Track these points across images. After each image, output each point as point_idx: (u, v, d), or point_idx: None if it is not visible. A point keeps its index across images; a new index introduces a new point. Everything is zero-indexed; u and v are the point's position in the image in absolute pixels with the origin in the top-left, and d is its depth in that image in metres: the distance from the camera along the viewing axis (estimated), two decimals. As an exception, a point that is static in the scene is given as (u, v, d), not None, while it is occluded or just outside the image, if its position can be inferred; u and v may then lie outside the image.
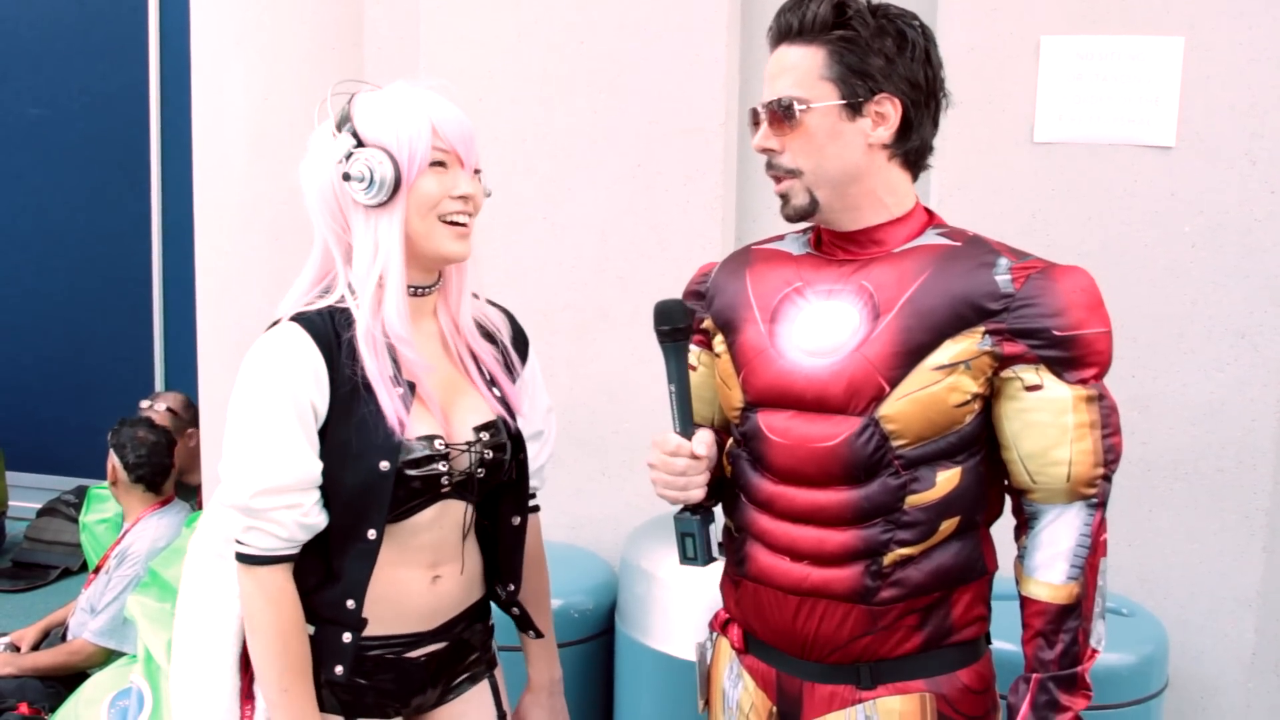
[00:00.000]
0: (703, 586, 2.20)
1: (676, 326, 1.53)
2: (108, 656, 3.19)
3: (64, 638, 3.38)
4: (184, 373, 4.84)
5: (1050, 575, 1.42)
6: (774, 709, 1.56)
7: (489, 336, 1.65)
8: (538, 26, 2.88)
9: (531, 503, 1.76)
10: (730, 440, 1.62)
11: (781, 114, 1.45)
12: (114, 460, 3.35)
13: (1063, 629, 1.41)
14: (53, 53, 5.22)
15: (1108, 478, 1.42)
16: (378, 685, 1.57)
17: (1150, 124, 2.55)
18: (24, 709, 3.07)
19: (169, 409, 3.76)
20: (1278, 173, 2.49)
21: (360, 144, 1.48)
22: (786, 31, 1.46)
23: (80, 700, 2.79)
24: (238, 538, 1.49)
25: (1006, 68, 2.62)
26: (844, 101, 1.44)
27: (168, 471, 3.43)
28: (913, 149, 1.49)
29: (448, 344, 1.61)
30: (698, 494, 1.52)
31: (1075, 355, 1.39)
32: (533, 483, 1.75)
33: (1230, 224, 2.53)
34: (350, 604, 1.51)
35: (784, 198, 1.50)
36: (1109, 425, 1.41)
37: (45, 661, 3.23)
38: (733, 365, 1.55)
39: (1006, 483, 1.50)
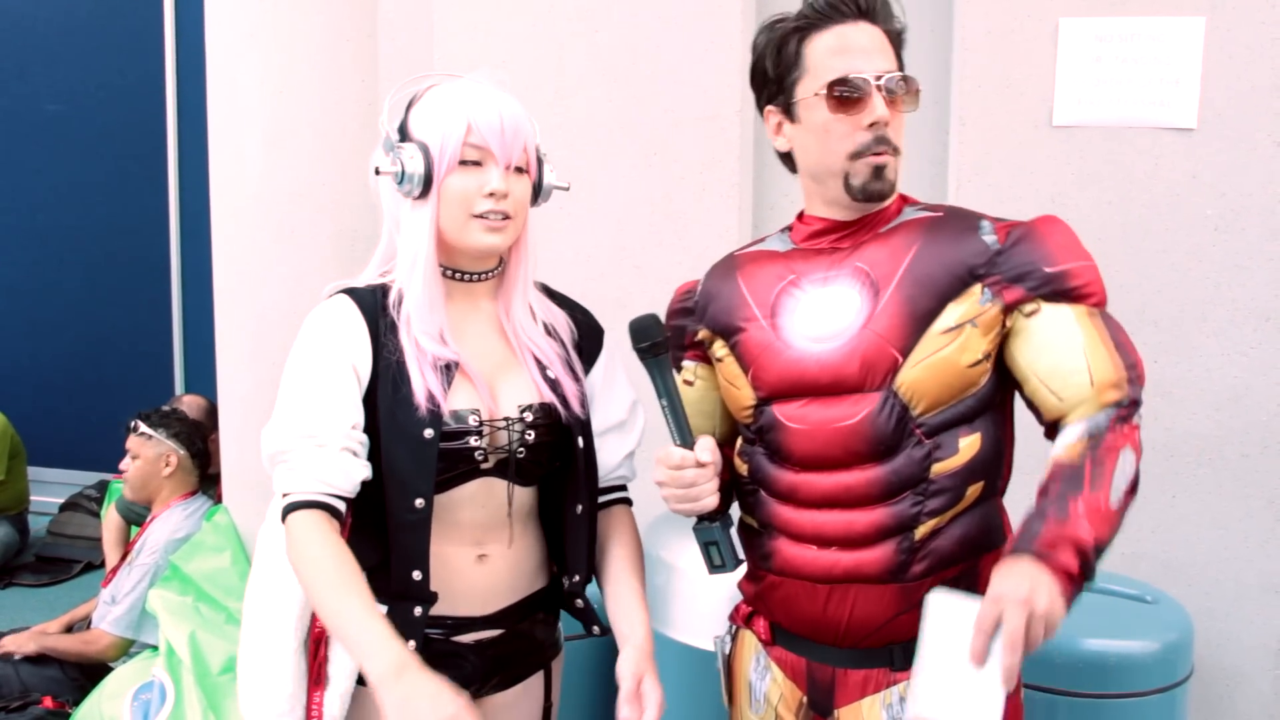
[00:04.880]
0: (724, 577, 2.19)
1: (655, 341, 1.51)
2: (125, 648, 3.22)
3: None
4: (203, 366, 4.86)
5: (1065, 437, 1.39)
6: (804, 699, 1.56)
7: (548, 330, 1.66)
8: (551, 16, 2.87)
9: (620, 495, 1.72)
10: (740, 440, 1.61)
11: (905, 89, 1.49)
12: (169, 446, 3.35)
13: (1057, 490, 1.32)
14: (69, 49, 5.24)
15: (1133, 382, 1.39)
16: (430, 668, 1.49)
17: (1171, 106, 2.52)
18: (48, 703, 3.09)
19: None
20: (1302, 154, 2.47)
21: (405, 139, 1.53)
22: (866, 10, 1.50)
23: (103, 694, 2.81)
24: (278, 491, 1.50)
25: (1025, 51, 2.60)
26: None
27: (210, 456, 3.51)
28: None
29: (503, 327, 1.63)
30: (711, 501, 1.50)
31: (1070, 287, 1.42)
32: (620, 472, 1.71)
33: (1253, 206, 2.50)
34: (416, 575, 1.50)
35: (880, 171, 1.48)
36: (1119, 338, 1.42)
37: (64, 645, 3.26)
38: (739, 365, 1.55)
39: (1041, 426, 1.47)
